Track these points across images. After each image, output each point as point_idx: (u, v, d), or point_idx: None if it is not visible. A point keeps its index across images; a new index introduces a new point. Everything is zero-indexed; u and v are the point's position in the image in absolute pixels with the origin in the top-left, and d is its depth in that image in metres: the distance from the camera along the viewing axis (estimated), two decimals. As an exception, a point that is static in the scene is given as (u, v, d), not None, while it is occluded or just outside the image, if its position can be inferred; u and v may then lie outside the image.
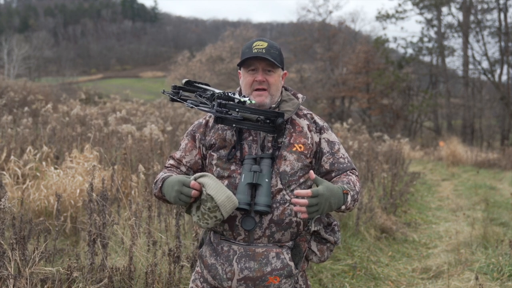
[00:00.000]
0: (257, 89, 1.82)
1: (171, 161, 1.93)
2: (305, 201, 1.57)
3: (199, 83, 1.89)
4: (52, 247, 3.12)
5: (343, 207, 1.68)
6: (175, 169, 1.90)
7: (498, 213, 6.68)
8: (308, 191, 1.58)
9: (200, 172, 1.90)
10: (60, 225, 3.82)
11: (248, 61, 1.82)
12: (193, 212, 1.68)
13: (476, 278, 3.52)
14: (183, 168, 1.90)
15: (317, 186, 1.63)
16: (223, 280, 1.75)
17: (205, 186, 1.61)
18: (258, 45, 1.80)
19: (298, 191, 1.59)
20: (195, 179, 1.63)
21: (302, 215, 1.60)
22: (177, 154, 1.92)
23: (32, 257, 2.65)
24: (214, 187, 1.61)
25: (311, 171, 1.65)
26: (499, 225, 5.83)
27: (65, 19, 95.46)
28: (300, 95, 1.94)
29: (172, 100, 1.82)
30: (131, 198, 4.35)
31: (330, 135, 1.90)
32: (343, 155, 1.88)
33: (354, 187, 1.76)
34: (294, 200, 1.59)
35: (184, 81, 1.87)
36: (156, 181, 1.82)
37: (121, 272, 2.77)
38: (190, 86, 1.88)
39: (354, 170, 1.88)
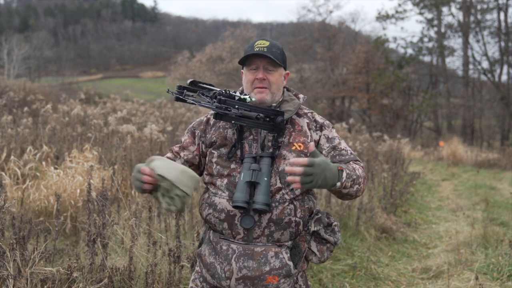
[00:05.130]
0: (258, 87, 1.82)
1: (169, 154, 1.94)
2: (300, 169, 1.52)
3: (203, 83, 1.90)
4: (52, 247, 3.11)
5: (338, 183, 1.63)
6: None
7: (498, 213, 6.68)
8: (304, 160, 1.51)
9: (196, 168, 1.91)
10: (60, 225, 3.81)
11: (250, 59, 1.82)
12: (160, 200, 1.66)
13: (476, 278, 3.51)
14: (180, 161, 1.91)
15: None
16: (222, 279, 1.75)
17: (155, 169, 1.59)
18: (260, 44, 1.81)
19: (294, 159, 1.54)
20: (147, 165, 1.61)
21: (295, 185, 1.55)
22: (176, 148, 1.95)
23: (32, 257, 2.64)
24: (163, 166, 1.59)
25: (311, 143, 1.59)
26: (499, 225, 5.82)
27: (65, 19, 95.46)
28: (301, 95, 1.94)
29: (177, 99, 1.83)
30: (131, 198, 4.35)
31: (330, 132, 1.89)
32: (345, 148, 1.86)
33: (354, 170, 1.72)
34: (288, 168, 1.54)
35: (189, 81, 1.88)
36: None
37: (121, 272, 2.77)
38: (195, 86, 1.88)
39: (358, 162, 1.84)
